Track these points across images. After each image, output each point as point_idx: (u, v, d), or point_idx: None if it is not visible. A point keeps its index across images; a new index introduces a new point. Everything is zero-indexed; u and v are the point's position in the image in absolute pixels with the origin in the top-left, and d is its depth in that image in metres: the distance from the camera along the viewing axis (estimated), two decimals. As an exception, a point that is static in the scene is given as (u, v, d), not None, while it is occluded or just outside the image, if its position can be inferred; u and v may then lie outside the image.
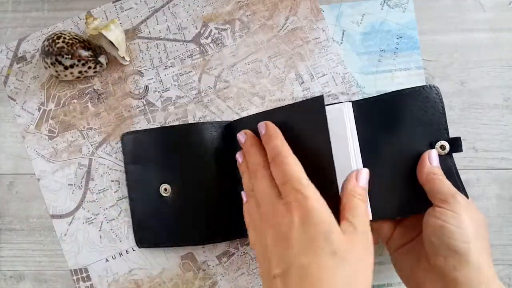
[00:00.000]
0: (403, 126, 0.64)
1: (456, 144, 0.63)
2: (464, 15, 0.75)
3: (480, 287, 0.52)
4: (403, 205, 0.64)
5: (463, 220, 0.55)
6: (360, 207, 0.55)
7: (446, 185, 0.59)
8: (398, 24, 0.75)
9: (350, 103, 0.65)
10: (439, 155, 0.63)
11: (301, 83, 0.74)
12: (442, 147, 0.63)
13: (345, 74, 0.74)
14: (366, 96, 0.73)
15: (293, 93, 0.74)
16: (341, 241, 0.51)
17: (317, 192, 0.54)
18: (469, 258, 0.53)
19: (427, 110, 0.64)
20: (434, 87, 0.65)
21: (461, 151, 0.63)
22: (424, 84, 0.73)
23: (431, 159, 0.61)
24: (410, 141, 0.64)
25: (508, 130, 0.72)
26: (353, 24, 0.76)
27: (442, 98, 0.64)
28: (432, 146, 0.63)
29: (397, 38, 0.75)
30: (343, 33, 0.76)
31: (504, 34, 0.74)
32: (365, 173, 0.59)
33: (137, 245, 0.71)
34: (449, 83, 0.74)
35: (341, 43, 0.76)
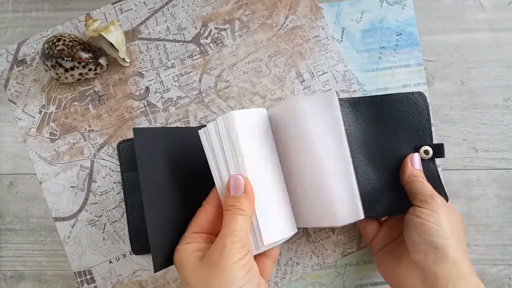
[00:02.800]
0: (391, 128, 0.67)
1: (439, 150, 0.65)
2: (464, 15, 0.76)
3: (459, 281, 0.54)
4: (389, 205, 0.65)
5: (441, 218, 0.58)
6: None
7: (425, 186, 0.62)
8: (397, 21, 0.76)
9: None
10: (423, 160, 0.66)
11: (302, 82, 0.75)
12: (426, 152, 0.65)
13: (345, 72, 0.75)
14: (367, 93, 0.74)
15: (294, 91, 0.74)
16: None
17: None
18: (448, 252, 0.56)
19: (414, 116, 0.66)
20: (422, 94, 0.67)
21: (443, 156, 0.65)
22: (425, 81, 0.74)
23: (413, 162, 0.64)
24: (397, 144, 0.66)
25: (508, 130, 0.73)
26: (352, 21, 0.76)
27: (428, 105, 0.66)
28: (416, 150, 0.66)
29: (397, 35, 0.75)
30: (342, 31, 0.76)
31: (504, 34, 0.75)
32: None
33: (132, 251, 0.71)
34: (449, 83, 0.74)
35: (341, 41, 0.76)
